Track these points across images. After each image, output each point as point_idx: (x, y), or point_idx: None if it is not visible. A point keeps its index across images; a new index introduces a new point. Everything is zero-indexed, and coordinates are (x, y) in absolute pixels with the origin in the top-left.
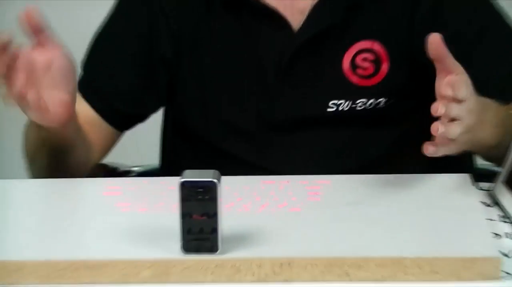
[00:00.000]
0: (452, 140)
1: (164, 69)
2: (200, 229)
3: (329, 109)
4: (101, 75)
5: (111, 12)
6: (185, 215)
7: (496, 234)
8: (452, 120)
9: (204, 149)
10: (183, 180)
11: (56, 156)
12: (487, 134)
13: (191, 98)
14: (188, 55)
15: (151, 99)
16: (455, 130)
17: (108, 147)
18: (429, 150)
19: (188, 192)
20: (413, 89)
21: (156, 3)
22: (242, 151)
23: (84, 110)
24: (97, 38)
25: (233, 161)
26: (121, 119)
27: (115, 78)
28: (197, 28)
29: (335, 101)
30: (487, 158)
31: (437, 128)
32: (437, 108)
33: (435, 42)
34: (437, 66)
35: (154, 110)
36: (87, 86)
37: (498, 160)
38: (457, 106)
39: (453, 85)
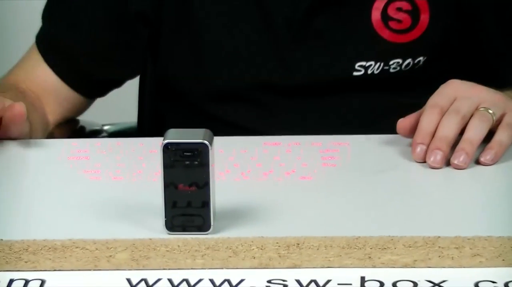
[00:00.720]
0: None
1: (142, 28)
2: (187, 203)
3: (355, 73)
4: (64, 29)
5: None
6: (169, 185)
7: None
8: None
9: (195, 116)
10: (166, 141)
11: None
12: None
13: (179, 60)
14: (174, 10)
15: (128, 61)
16: (480, 117)
17: (75, 116)
18: (485, 159)
19: (173, 157)
20: (455, 43)
21: None
22: (245, 119)
23: (43, 74)
24: None
25: (234, 130)
26: (91, 85)
27: (83, 33)
28: None
29: (363, 63)
30: None
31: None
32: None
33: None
34: None
35: (130, 74)
36: (47, 43)
37: None
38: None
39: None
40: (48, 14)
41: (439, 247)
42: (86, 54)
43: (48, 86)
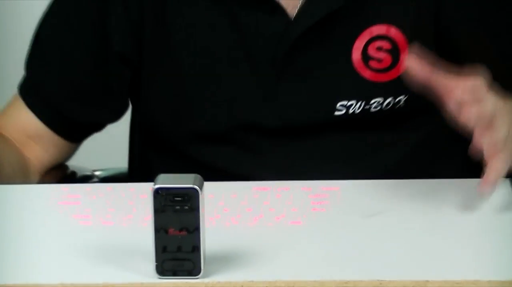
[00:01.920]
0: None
1: (124, 69)
2: (178, 247)
3: (337, 113)
4: (46, 76)
5: None
6: (160, 230)
7: None
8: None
9: (180, 160)
10: (157, 186)
11: None
12: None
13: (160, 102)
14: (154, 50)
15: (109, 104)
16: (498, 130)
17: (62, 161)
18: (484, 188)
19: (163, 202)
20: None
21: None
22: (230, 163)
23: (25, 120)
24: (39, 30)
25: (218, 174)
26: (74, 129)
27: (64, 79)
28: (164, 16)
29: (344, 103)
30: None
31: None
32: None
33: (415, 69)
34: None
35: (113, 118)
36: (29, 90)
37: None
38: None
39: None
40: (31, 63)
41: None
42: (69, 98)
43: (31, 132)
